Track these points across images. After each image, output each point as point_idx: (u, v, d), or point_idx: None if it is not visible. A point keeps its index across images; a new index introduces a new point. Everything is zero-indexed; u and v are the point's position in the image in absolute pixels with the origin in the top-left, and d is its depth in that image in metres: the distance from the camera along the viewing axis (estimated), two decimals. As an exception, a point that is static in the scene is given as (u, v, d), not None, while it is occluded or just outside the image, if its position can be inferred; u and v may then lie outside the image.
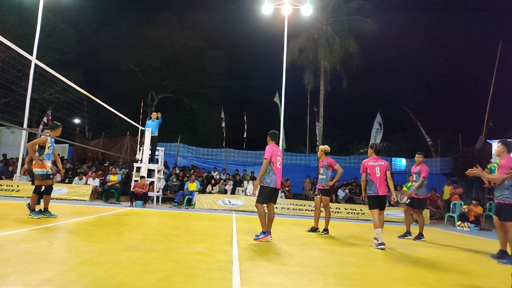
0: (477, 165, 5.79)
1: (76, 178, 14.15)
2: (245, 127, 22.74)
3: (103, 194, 13.44)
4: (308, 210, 13.39)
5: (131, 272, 3.38)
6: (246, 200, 13.43)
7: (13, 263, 3.40)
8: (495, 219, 5.74)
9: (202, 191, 13.99)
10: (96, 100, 10.04)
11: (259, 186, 6.06)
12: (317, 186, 7.93)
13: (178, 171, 15.98)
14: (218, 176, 15.38)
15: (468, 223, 11.85)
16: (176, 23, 25.18)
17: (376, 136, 20.04)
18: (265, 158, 5.99)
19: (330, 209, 8.07)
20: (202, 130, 26.21)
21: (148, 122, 13.48)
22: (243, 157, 19.30)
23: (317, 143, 19.46)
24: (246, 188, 14.63)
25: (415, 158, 7.91)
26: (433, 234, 9.38)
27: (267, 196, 5.98)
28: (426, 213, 13.00)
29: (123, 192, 13.72)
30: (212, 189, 14.24)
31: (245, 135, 22.56)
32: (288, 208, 13.20)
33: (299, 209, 13.39)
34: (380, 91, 28.36)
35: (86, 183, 13.87)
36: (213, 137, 23.29)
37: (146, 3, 28.71)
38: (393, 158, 19.54)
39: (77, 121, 24.63)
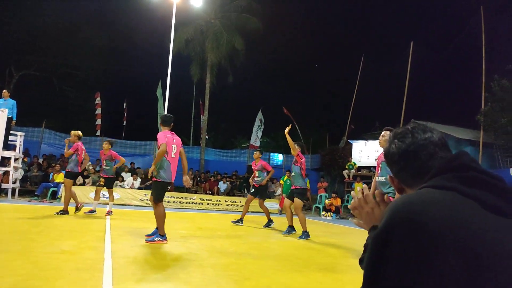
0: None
1: None
2: (125, 115, 21.26)
3: None
4: (189, 203, 13.30)
5: (-28, 279, 2.80)
6: (123, 193, 12.59)
7: None
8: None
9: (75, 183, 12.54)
10: None
11: (154, 178, 5.26)
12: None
13: (41, 161, 14.02)
14: (91, 167, 14.01)
15: (331, 213, 13.45)
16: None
17: (257, 132, 21.02)
18: (161, 143, 5.10)
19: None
20: (74, 116, 23.38)
21: (0, 100, 11.43)
22: (122, 147, 18.04)
23: (201, 135, 19.45)
24: (125, 181, 13.72)
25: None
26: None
27: (164, 191, 5.30)
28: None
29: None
30: (84, 181, 12.93)
31: (124, 124, 21.10)
32: (168, 201, 12.85)
33: (180, 202, 13.18)
34: (263, 89, 29.89)
35: None
36: (88, 124, 21.00)
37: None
38: (271, 154, 20.81)
39: None
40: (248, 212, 8.86)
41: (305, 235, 6.78)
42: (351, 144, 18.14)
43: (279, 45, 28.95)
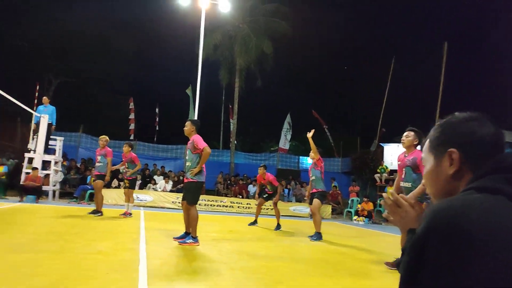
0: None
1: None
2: (157, 120, 21.84)
3: (-15, 188, 11.62)
4: (220, 206, 13.44)
5: (18, 276, 2.96)
6: (155, 196, 12.91)
7: None
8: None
9: (107, 185, 13.01)
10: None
11: (194, 181, 5.27)
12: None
13: (79, 164, 14.62)
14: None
15: (363, 218, 13.16)
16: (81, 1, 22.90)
17: (286, 135, 20.97)
18: (204, 146, 5.24)
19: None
20: (107, 121, 24.28)
21: (40, 107, 12.07)
22: (154, 151, 18.53)
23: (231, 139, 19.63)
24: (157, 183, 14.05)
25: None
26: (333, 228, 10.16)
27: (199, 192, 5.40)
28: (328, 208, 14.08)
29: (11, 185, 12.03)
30: (119, 184, 13.36)
31: (157, 128, 21.67)
32: (199, 204, 13.00)
33: (211, 205, 13.35)
34: (291, 92, 29.75)
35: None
36: (119, 128, 21.72)
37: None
38: (300, 157, 20.67)
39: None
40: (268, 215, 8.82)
41: (318, 236, 6.73)
42: (383, 148, 17.71)
43: (308, 48, 28.71)
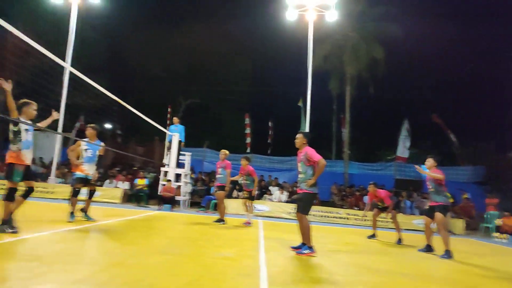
0: None
1: (107, 180, 14.60)
2: (270, 133, 22.80)
3: (133, 197, 13.81)
4: (336, 218, 13.25)
5: (160, 275, 3.46)
6: (272, 206, 13.44)
7: (49, 262, 3.54)
8: None
9: (228, 195, 14.06)
10: (126, 105, 10.31)
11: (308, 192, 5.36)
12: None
13: (203, 176, 16.18)
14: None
15: (507, 235, 11.37)
16: (202, 29, 25.66)
17: (404, 142, 19.56)
18: (319, 158, 5.31)
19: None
20: (227, 136, 26.48)
21: (172, 127, 13.79)
22: (270, 163, 19.32)
23: (344, 149, 19.23)
24: (272, 194, 14.62)
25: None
26: (467, 245, 9.04)
27: (312, 203, 5.46)
28: (461, 223, 12.60)
29: (151, 196, 14.02)
30: (238, 195, 14.31)
31: (269, 141, 22.62)
32: (314, 215, 13.07)
33: (326, 216, 13.26)
34: (408, 97, 27.60)
35: (116, 186, 14.30)
36: (237, 142, 23.48)
37: (173, 10, 29.30)
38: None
39: (108, 126, 25.48)
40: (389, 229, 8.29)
41: (448, 254, 6.16)
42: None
43: (422, 50, 26.40)
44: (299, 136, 5.66)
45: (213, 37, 25.45)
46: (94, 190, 7.28)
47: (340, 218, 13.22)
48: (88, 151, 7.05)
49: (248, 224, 8.96)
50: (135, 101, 19.60)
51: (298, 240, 5.72)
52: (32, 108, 5.22)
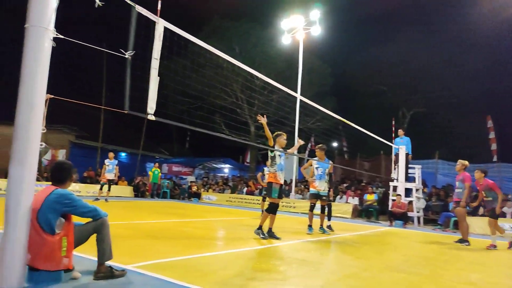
0: None
1: (337, 196, 15.46)
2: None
3: (362, 212, 14.05)
4: None
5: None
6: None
7: (294, 268, 4.14)
8: None
9: (472, 213, 12.11)
10: (350, 123, 10.75)
11: None
12: None
13: (439, 191, 14.63)
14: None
15: None
16: (418, 37, 24.10)
17: None
18: None
19: None
20: (463, 144, 23.05)
21: (397, 139, 13.27)
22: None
23: None
24: None
25: None
26: None
27: None
28: None
29: (381, 211, 13.85)
30: (484, 212, 12.13)
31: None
32: None
33: None
34: None
35: (346, 202, 14.93)
36: (476, 150, 19.97)
37: (386, 26, 28.77)
38: None
39: (335, 144, 27.20)
40: None
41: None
42: None
43: None
44: None
45: (433, 41, 23.42)
46: (326, 206, 8.00)
47: None
48: (318, 169, 7.93)
49: (492, 247, 7.47)
50: (359, 118, 20.23)
51: None
52: (283, 138, 6.50)
